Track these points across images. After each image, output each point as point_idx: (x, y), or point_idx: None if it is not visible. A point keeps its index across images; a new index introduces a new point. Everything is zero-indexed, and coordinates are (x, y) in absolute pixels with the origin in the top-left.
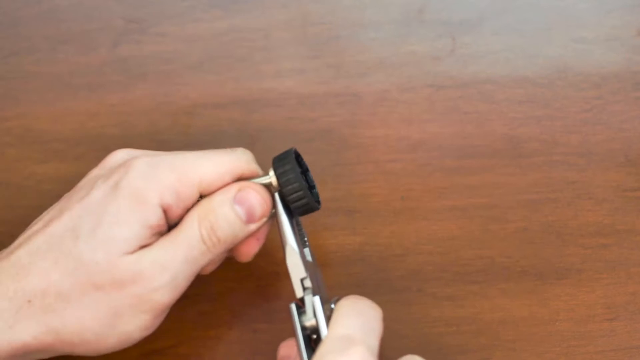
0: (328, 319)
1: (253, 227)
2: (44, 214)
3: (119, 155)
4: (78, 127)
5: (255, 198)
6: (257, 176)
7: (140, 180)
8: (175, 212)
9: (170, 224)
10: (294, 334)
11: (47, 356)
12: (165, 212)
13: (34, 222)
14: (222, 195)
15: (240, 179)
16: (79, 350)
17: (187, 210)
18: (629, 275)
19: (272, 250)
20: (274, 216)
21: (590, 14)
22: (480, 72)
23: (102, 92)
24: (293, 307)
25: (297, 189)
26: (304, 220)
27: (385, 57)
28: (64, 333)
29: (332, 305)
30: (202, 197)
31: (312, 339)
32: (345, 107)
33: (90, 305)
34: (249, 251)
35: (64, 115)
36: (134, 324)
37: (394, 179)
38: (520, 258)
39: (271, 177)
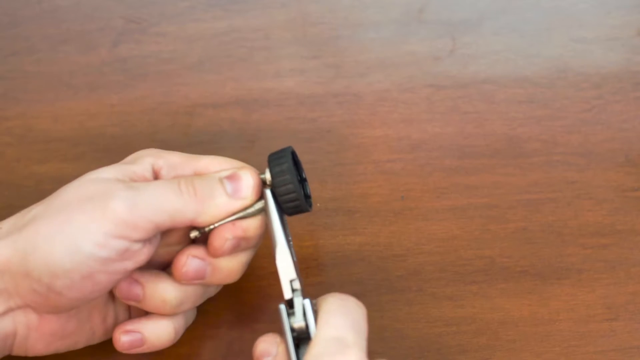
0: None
1: (236, 204)
2: None
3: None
4: (78, 127)
5: (247, 178)
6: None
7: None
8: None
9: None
10: (282, 335)
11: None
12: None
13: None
14: (214, 173)
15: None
16: (32, 263)
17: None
18: (629, 275)
19: (272, 250)
20: (260, 212)
21: (590, 14)
22: (480, 72)
23: (102, 92)
24: (283, 308)
25: (291, 189)
26: (303, 219)
27: (385, 57)
28: (19, 243)
29: (305, 300)
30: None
31: (300, 341)
32: (345, 107)
33: (49, 217)
34: (231, 276)
35: (64, 115)
36: (84, 232)
37: (394, 179)
38: (520, 258)
39: (266, 174)
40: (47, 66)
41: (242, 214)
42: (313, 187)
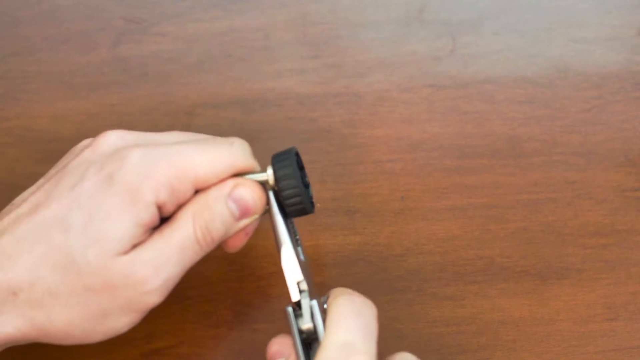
0: (323, 318)
1: (245, 222)
2: (27, 191)
3: (112, 140)
4: (78, 127)
5: (250, 195)
6: (255, 171)
7: (136, 176)
8: (169, 208)
9: (163, 218)
10: (291, 337)
11: (29, 342)
12: (159, 208)
13: (18, 198)
14: (217, 192)
15: (237, 174)
16: (64, 343)
17: (180, 205)
18: (629, 275)
19: (273, 250)
20: (266, 212)
21: (590, 14)
22: (480, 72)
23: (102, 92)
24: (290, 310)
25: (296, 193)
26: (302, 219)
27: (385, 57)
28: (49, 328)
29: (325, 304)
30: (196, 191)
31: (309, 342)
32: (345, 107)
33: (79, 304)
34: (236, 244)
35: (64, 115)
36: (122, 322)
37: (394, 179)
38: (520, 258)
39: (268, 175)
40: (47, 66)
41: None
42: (313, 187)
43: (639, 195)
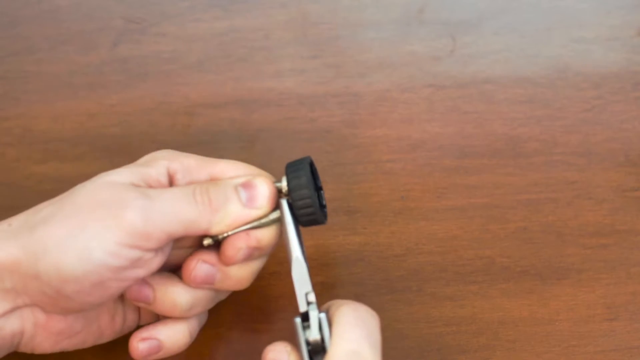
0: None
1: (251, 213)
2: None
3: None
4: (78, 127)
5: (262, 186)
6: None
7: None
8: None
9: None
10: (298, 349)
11: (16, 283)
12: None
13: None
14: (228, 179)
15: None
16: (42, 266)
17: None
18: (629, 275)
19: (273, 251)
20: (276, 222)
21: (590, 14)
22: (480, 72)
23: (102, 92)
24: (298, 322)
25: (307, 204)
26: None
27: (385, 57)
28: (41, 251)
29: (321, 314)
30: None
31: (314, 354)
32: (345, 107)
33: (70, 222)
34: (234, 256)
35: (64, 115)
36: (96, 240)
37: (394, 179)
38: (520, 258)
39: (282, 182)
40: (47, 66)
41: (257, 223)
42: None
43: (639, 195)
